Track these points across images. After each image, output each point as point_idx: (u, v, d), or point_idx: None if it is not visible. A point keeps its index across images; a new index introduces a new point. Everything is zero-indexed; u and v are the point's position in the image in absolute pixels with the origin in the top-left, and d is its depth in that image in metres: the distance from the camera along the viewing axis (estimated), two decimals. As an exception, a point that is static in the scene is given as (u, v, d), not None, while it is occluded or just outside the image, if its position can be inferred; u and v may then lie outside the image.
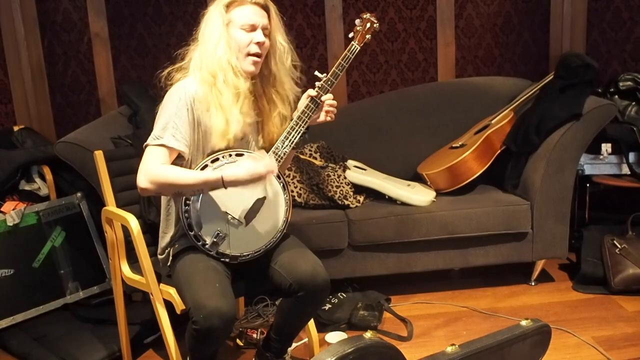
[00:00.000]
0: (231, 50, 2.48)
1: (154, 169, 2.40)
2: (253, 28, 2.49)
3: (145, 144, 2.45)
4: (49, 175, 3.73)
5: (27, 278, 3.41)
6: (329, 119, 2.64)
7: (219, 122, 2.47)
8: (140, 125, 3.56)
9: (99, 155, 2.86)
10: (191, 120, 2.46)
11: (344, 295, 3.47)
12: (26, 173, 3.76)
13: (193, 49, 2.55)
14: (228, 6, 2.49)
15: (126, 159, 2.98)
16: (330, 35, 4.24)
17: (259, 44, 2.49)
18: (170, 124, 2.43)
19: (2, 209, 3.45)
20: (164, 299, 2.60)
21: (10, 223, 3.40)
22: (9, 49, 4.15)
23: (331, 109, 2.63)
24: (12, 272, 3.37)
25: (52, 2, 4.17)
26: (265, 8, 2.54)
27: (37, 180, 3.76)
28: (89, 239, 3.67)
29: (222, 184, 2.38)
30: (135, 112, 3.69)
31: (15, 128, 4.04)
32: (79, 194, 3.70)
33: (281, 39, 2.60)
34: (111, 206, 2.85)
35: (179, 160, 2.48)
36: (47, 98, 4.28)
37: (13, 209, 3.45)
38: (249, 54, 2.50)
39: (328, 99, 2.62)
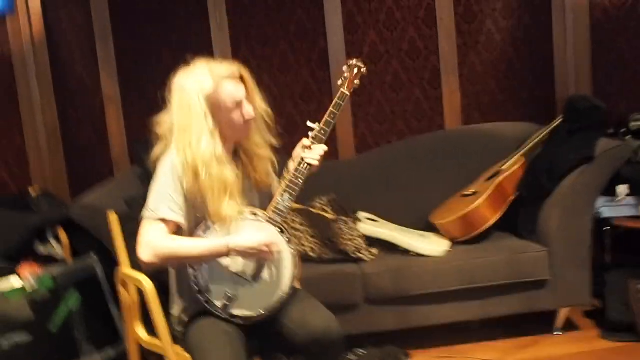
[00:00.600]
0: (215, 140, 2.44)
1: (158, 242, 2.39)
2: (240, 103, 2.48)
3: (141, 216, 2.45)
4: (64, 238, 3.74)
5: (44, 343, 3.38)
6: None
7: (209, 209, 2.45)
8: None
9: (112, 217, 2.88)
10: (185, 192, 2.45)
11: (361, 351, 3.41)
12: (42, 236, 3.78)
13: (170, 126, 2.51)
14: (208, 96, 2.43)
15: (140, 219, 2.99)
16: (336, 88, 4.24)
17: (249, 118, 2.50)
18: (165, 196, 2.43)
19: (19, 272, 3.46)
20: (181, 362, 2.58)
21: (29, 290, 3.40)
22: (25, 113, 4.25)
23: (311, 158, 2.58)
24: (29, 336, 3.35)
25: (66, 68, 4.25)
26: (238, 77, 2.50)
27: (53, 242, 3.78)
28: (104, 300, 3.66)
29: (227, 252, 2.39)
30: (148, 171, 3.71)
31: (31, 191, 4.08)
32: (93, 256, 3.70)
33: (259, 102, 2.57)
34: (125, 267, 2.85)
35: (179, 231, 2.47)
36: (62, 160, 4.34)
37: (30, 273, 3.46)
38: (241, 129, 2.51)
39: (316, 149, 2.60)
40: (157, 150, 2.56)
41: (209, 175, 2.41)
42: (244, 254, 2.42)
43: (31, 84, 4.21)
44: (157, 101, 4.18)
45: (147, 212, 2.44)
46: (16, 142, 4.26)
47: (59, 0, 4.22)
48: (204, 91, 2.43)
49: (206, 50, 4.08)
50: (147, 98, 4.25)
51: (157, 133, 2.57)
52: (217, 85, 2.44)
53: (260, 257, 2.44)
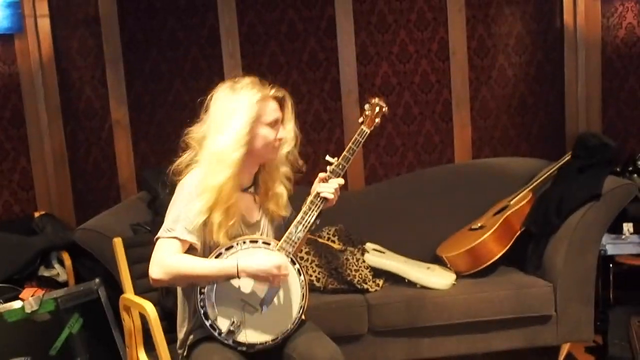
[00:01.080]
0: (258, 149, 2.51)
1: (168, 259, 2.40)
2: (277, 122, 2.55)
3: (157, 236, 2.45)
4: (67, 262, 3.74)
5: (43, 366, 3.38)
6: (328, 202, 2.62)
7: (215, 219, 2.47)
8: (159, 211, 3.57)
9: (117, 242, 2.87)
10: (202, 214, 2.45)
11: (365, 382, 3.40)
12: (45, 259, 3.77)
13: (203, 134, 2.53)
14: (255, 105, 2.48)
15: (145, 245, 2.95)
16: (347, 119, 4.28)
17: (281, 139, 2.57)
18: (181, 216, 2.43)
19: (21, 296, 3.45)
20: (181, 389, 2.56)
21: (28, 310, 3.39)
22: (32, 136, 4.24)
23: (327, 190, 2.61)
24: (29, 359, 3.34)
25: (75, 90, 4.27)
26: (280, 100, 2.59)
27: (56, 266, 3.77)
28: (107, 325, 3.64)
29: (237, 273, 2.38)
30: (155, 198, 3.71)
31: (36, 214, 4.09)
32: (97, 280, 3.69)
33: (292, 127, 2.64)
34: (129, 293, 2.83)
35: (191, 251, 2.47)
36: (68, 184, 4.33)
37: (32, 296, 3.45)
38: (273, 148, 2.57)
39: (333, 182, 2.62)
40: (183, 160, 2.58)
41: (228, 178, 2.44)
42: (254, 276, 2.41)
43: (39, 106, 4.20)
44: (165, 127, 4.24)
45: (162, 231, 2.45)
46: (22, 165, 4.26)
47: (68, 22, 4.25)
48: (253, 99, 2.48)
49: (217, 77, 4.10)
50: (156, 123, 4.29)
51: (186, 143, 2.59)
52: (265, 98, 2.51)
53: (270, 280, 2.43)
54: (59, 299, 3.53)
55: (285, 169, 2.68)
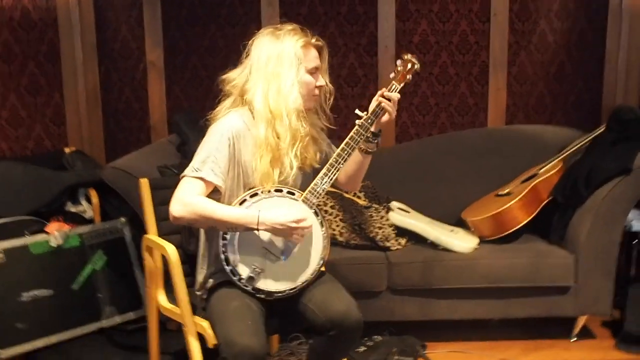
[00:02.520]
0: (302, 94, 2.52)
1: (190, 198, 2.42)
2: (316, 70, 2.58)
3: (183, 174, 2.48)
4: (95, 199, 3.78)
5: (65, 300, 3.45)
6: (386, 116, 2.60)
7: (264, 164, 2.49)
8: (188, 155, 3.57)
9: (144, 183, 2.89)
10: (232, 157, 2.49)
11: (380, 338, 3.44)
12: (73, 195, 3.82)
13: (245, 79, 2.56)
14: (301, 51, 2.52)
15: (171, 188, 2.97)
16: (382, 75, 4.24)
17: (321, 87, 2.60)
18: (210, 157, 2.45)
19: (46, 229, 3.51)
20: (198, 332, 2.59)
21: (53, 244, 3.45)
22: (67, 73, 4.26)
23: (388, 102, 2.59)
24: (51, 292, 3.41)
25: (111, 30, 4.28)
26: (320, 49, 2.62)
27: (84, 202, 3.82)
28: (129, 264, 3.70)
29: (257, 224, 2.40)
30: (185, 141, 3.73)
31: (67, 150, 4.12)
32: (122, 220, 3.74)
33: (327, 80, 2.67)
34: (152, 234, 2.87)
35: (215, 194, 2.49)
36: (100, 122, 4.36)
37: (57, 230, 3.50)
38: (312, 95, 2.59)
39: (395, 96, 2.60)
40: (223, 105, 2.60)
41: (288, 125, 2.49)
42: (273, 230, 2.43)
43: (75, 43, 4.22)
44: (199, 72, 4.24)
45: (189, 170, 2.47)
46: (55, 100, 4.29)
47: (108, -40, 4.24)
48: (299, 45, 2.52)
49: (254, 25, 4.06)
50: (191, 68, 4.29)
51: (226, 89, 2.60)
52: (307, 44, 2.55)
53: (289, 235, 2.44)
54: (84, 235, 3.59)
55: (319, 119, 2.70)
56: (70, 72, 4.25)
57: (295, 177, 2.60)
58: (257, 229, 2.42)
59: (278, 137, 2.49)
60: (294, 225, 2.42)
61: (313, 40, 2.58)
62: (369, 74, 4.29)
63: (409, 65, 2.74)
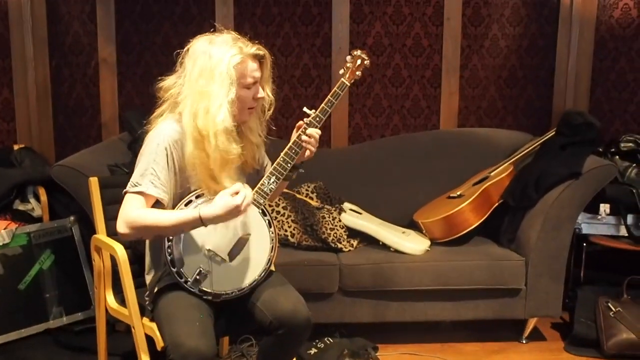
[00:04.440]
0: (232, 113, 2.44)
1: (131, 213, 2.37)
2: (256, 83, 2.50)
3: (124, 191, 2.43)
4: (43, 197, 3.71)
5: (11, 299, 3.38)
6: (307, 152, 2.60)
7: (199, 181, 2.46)
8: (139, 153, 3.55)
9: (93, 181, 2.85)
10: (171, 166, 2.44)
11: (331, 340, 3.42)
12: (21, 193, 3.74)
13: (178, 90, 2.48)
14: (236, 67, 2.42)
15: (121, 187, 2.91)
16: (335, 76, 4.24)
17: (257, 99, 2.52)
18: (149, 170, 2.41)
19: (-7, 226, 3.44)
20: (146, 334, 2.56)
21: (0, 243, 3.38)
22: (16, 67, 4.17)
23: (309, 140, 2.59)
24: (-6, 291, 3.35)
25: (63, 24, 4.20)
26: (260, 59, 2.52)
27: (32, 200, 3.75)
28: (78, 264, 3.65)
29: (201, 222, 2.36)
30: (136, 139, 3.68)
31: (15, 147, 4.04)
32: (71, 218, 3.68)
33: (268, 91, 2.59)
34: (101, 234, 2.82)
35: (158, 206, 2.44)
36: (49, 119, 4.27)
37: (4, 229, 3.43)
38: (247, 109, 2.52)
39: (311, 131, 2.59)
40: (156, 113, 2.55)
41: (216, 146, 2.40)
42: (219, 217, 2.35)
43: (25, 38, 4.11)
44: (152, 69, 4.19)
45: (129, 186, 2.43)
46: (4, 96, 4.20)
47: (61, -46, 4.16)
48: (233, 61, 2.41)
49: (208, 24, 4.02)
50: (143, 65, 4.24)
51: (159, 96, 2.54)
52: (244, 59, 2.44)
53: (236, 213, 2.35)
54: (32, 234, 3.52)
55: (257, 126, 2.64)
56: (20, 67, 4.15)
57: (242, 179, 2.58)
58: (204, 225, 2.37)
59: (207, 157, 2.42)
60: (237, 200, 2.33)
61: (252, 51, 2.47)
62: (323, 74, 4.29)
63: (359, 61, 2.75)
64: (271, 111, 2.63)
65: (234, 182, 2.44)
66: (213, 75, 2.39)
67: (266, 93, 2.57)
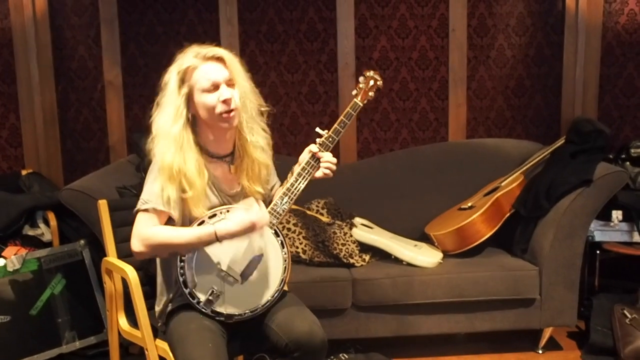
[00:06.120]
0: (182, 119, 2.40)
1: (145, 231, 2.37)
2: (216, 86, 2.41)
3: (136, 209, 2.42)
4: (53, 221, 3.70)
5: (23, 325, 3.36)
6: (325, 175, 2.58)
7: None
8: (147, 174, 3.55)
9: (102, 204, 2.84)
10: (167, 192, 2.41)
11: (346, 356, 3.41)
12: (31, 218, 3.73)
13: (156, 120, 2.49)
14: (184, 71, 2.41)
15: (130, 209, 2.91)
16: (342, 92, 4.24)
17: (225, 101, 2.40)
18: (157, 188, 2.40)
19: (3, 254, 3.43)
20: (160, 355, 2.54)
21: (10, 269, 3.37)
22: (22, 93, 4.19)
23: (329, 165, 2.57)
24: (8, 318, 3.33)
25: (68, 49, 4.21)
26: (221, 60, 2.44)
27: (41, 225, 3.74)
28: (90, 287, 3.63)
29: (216, 238, 2.34)
30: (144, 161, 3.67)
31: (23, 172, 4.05)
32: (82, 242, 3.67)
33: (245, 86, 2.49)
34: (112, 257, 2.81)
35: (170, 223, 2.44)
36: (57, 143, 4.28)
37: (14, 255, 3.42)
38: (220, 115, 2.41)
39: (327, 156, 2.58)
40: (150, 141, 2.53)
41: (186, 182, 2.39)
42: (235, 233, 2.34)
43: (31, 63, 4.14)
44: (158, 90, 4.18)
45: (139, 204, 2.42)
46: (11, 122, 4.22)
47: (64, -22, 4.18)
48: (180, 67, 2.41)
49: (214, 44, 4.04)
50: (150, 87, 4.23)
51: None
52: (196, 63, 2.40)
53: (251, 229, 2.35)
54: (42, 259, 3.51)
55: (258, 138, 2.56)
56: (27, 92, 4.17)
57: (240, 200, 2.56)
58: (219, 241, 2.35)
59: (184, 192, 2.40)
60: (246, 216, 2.32)
61: (209, 54, 2.41)
62: (330, 90, 4.29)
63: (371, 82, 2.74)
64: (256, 107, 2.55)
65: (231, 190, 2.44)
66: (166, 86, 2.44)
67: (247, 99, 2.49)
